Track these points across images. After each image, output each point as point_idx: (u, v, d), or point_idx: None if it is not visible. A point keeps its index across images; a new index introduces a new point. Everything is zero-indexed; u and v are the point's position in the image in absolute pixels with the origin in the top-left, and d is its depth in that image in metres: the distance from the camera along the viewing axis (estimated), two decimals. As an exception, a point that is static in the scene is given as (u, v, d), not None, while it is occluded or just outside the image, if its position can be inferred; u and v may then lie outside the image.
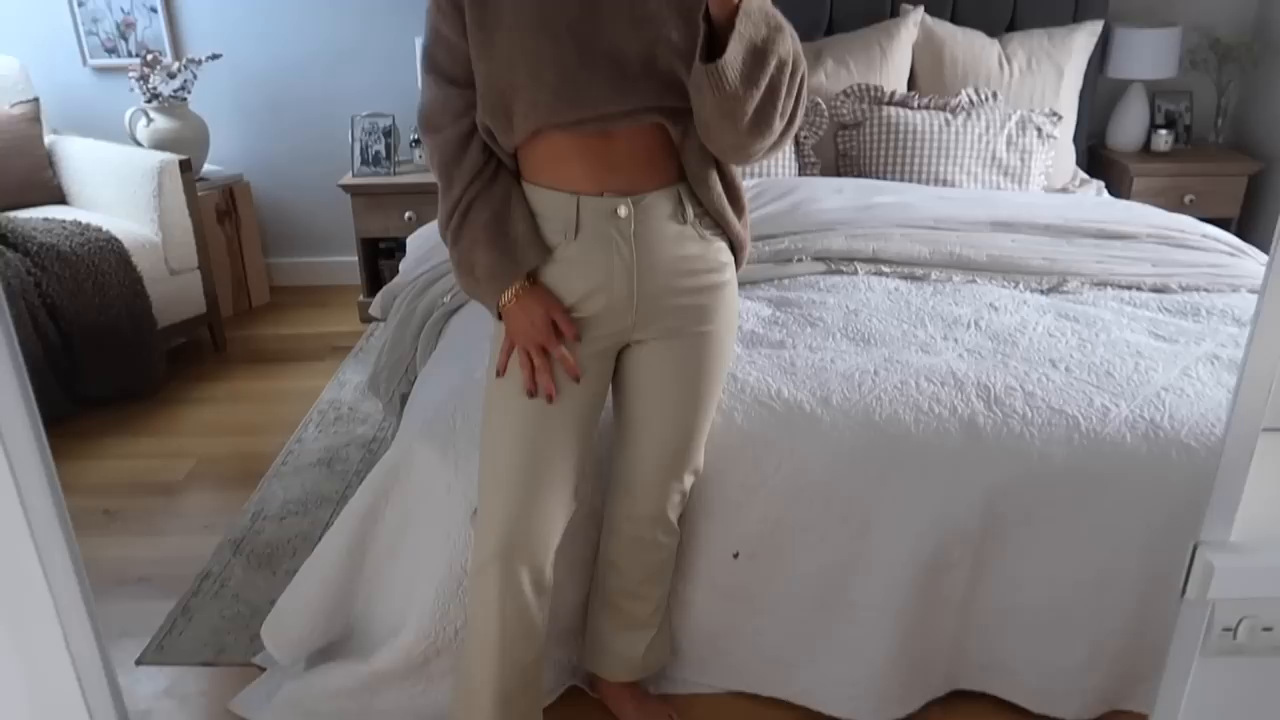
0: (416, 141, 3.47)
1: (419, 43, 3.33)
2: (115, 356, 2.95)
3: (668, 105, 1.36)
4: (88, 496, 2.53)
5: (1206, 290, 2.18)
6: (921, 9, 3.14)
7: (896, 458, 1.66)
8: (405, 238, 2.95)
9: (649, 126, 1.38)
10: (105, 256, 2.93)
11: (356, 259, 3.60)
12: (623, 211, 1.39)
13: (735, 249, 1.53)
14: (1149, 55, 3.26)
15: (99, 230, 2.97)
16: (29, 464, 0.73)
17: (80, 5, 3.53)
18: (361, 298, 3.61)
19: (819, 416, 1.69)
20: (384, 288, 2.50)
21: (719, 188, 1.45)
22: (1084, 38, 3.15)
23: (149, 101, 3.38)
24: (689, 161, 1.41)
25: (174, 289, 3.17)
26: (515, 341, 1.43)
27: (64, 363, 2.86)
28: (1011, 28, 3.28)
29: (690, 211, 1.44)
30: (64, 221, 2.98)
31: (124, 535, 2.40)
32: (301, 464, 2.66)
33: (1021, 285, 2.20)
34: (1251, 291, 2.16)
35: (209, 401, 3.06)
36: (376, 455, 2.67)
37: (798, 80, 1.32)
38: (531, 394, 1.42)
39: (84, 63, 3.61)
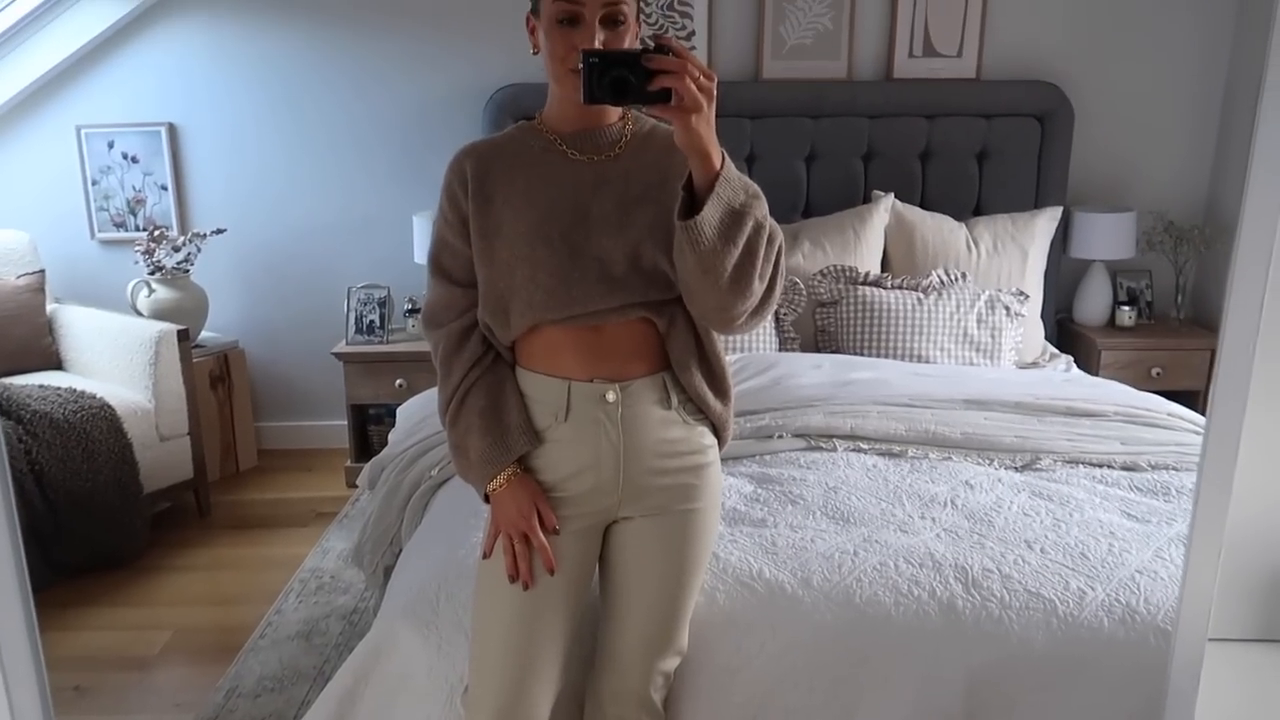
0: (410, 311, 3.59)
1: (416, 220, 3.50)
2: (99, 523, 2.94)
3: (653, 299, 1.46)
4: (60, 671, 2.47)
5: (1175, 469, 2.24)
6: (892, 195, 3.34)
7: (878, 640, 1.66)
8: (395, 404, 3.01)
9: (636, 320, 1.47)
10: (97, 423, 2.97)
11: (346, 423, 3.65)
12: (611, 397, 1.47)
13: (717, 431, 1.59)
14: (1108, 237, 3.45)
15: (93, 397, 3.02)
16: (17, 653, 0.74)
17: (94, 184, 3.71)
18: (349, 462, 3.64)
19: (800, 598, 1.71)
20: (372, 460, 2.54)
21: (700, 374, 1.52)
22: (1045, 222, 3.33)
23: (152, 273, 3.50)
24: (673, 350, 1.50)
25: (163, 455, 3.20)
26: (501, 527, 1.48)
27: (46, 529, 2.85)
28: (977, 212, 3.48)
29: (675, 398, 1.51)
30: (59, 389, 3.03)
31: (94, 714, 2.34)
32: (280, 636, 2.62)
33: (996, 462, 2.26)
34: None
35: (190, 569, 3.04)
36: (357, 628, 2.64)
37: (775, 247, 1.41)
38: (513, 579, 1.46)
39: (91, 236, 3.76)
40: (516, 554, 1.46)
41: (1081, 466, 2.25)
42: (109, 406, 3.02)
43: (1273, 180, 0.69)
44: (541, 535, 1.46)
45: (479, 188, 1.48)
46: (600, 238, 1.44)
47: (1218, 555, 0.70)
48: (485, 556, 1.51)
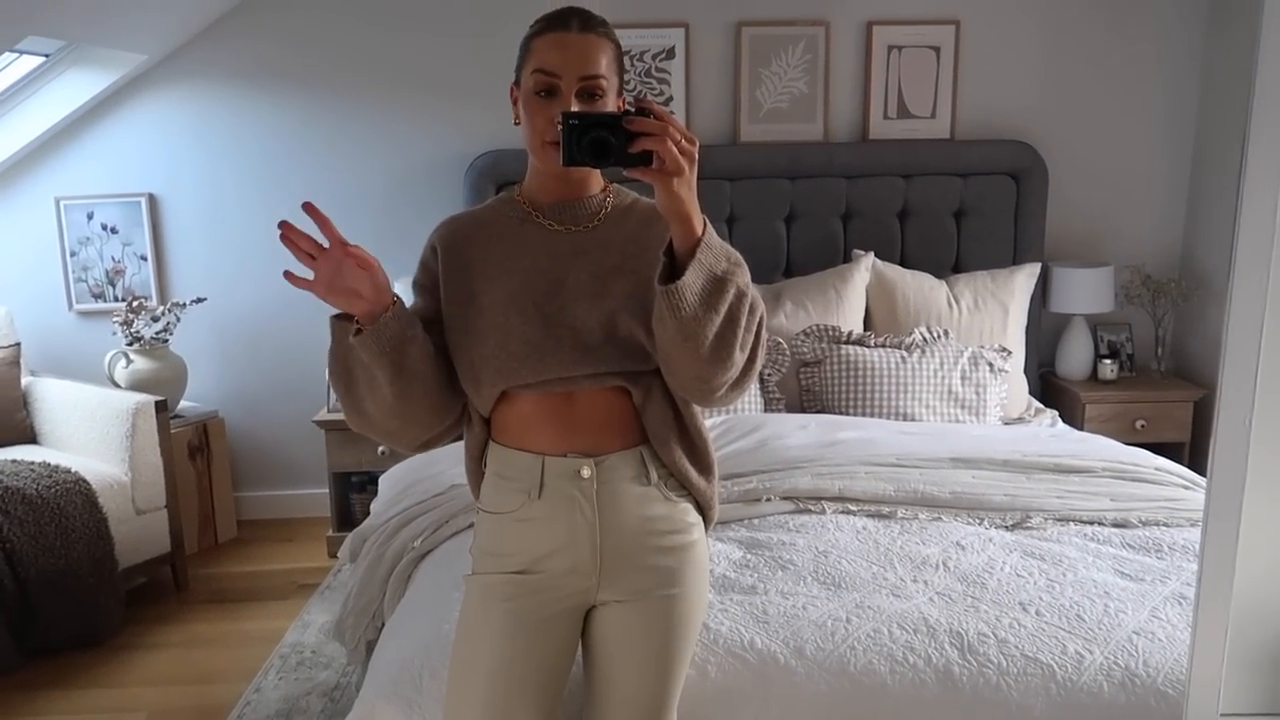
0: (392, 378, 3.55)
1: (397, 286, 3.46)
2: (72, 602, 2.86)
3: (629, 369, 1.43)
4: (27, 759, 2.39)
5: (1166, 525, 2.22)
6: (872, 254, 3.36)
7: (874, 711, 1.62)
8: (378, 472, 2.97)
9: (611, 389, 1.44)
10: (71, 498, 2.90)
11: (327, 492, 3.59)
12: (585, 472, 1.43)
13: (702, 508, 1.55)
14: (1087, 292, 3.48)
15: (67, 471, 2.96)
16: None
17: (73, 255, 3.69)
18: (331, 532, 3.58)
19: (793, 668, 1.67)
20: (353, 531, 2.49)
21: (681, 449, 1.48)
22: (1024, 278, 3.36)
23: (130, 344, 3.47)
24: (650, 423, 1.46)
25: (139, 529, 3.13)
26: (320, 288, 1.36)
27: (17, 609, 2.77)
28: (957, 269, 3.51)
29: (654, 473, 1.47)
30: (32, 463, 2.97)
31: (62, 804, 2.25)
32: (259, 716, 2.54)
33: (986, 522, 2.24)
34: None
35: (166, 647, 2.95)
36: (339, 705, 2.56)
37: (757, 317, 1.37)
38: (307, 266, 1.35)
39: (69, 307, 3.73)
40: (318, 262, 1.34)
41: (1072, 524, 2.23)
42: (84, 480, 2.96)
43: (1259, 247, 0.69)
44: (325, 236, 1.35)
45: (454, 259, 1.47)
46: (575, 307, 1.42)
47: (1225, 632, 0.68)
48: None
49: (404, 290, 1.47)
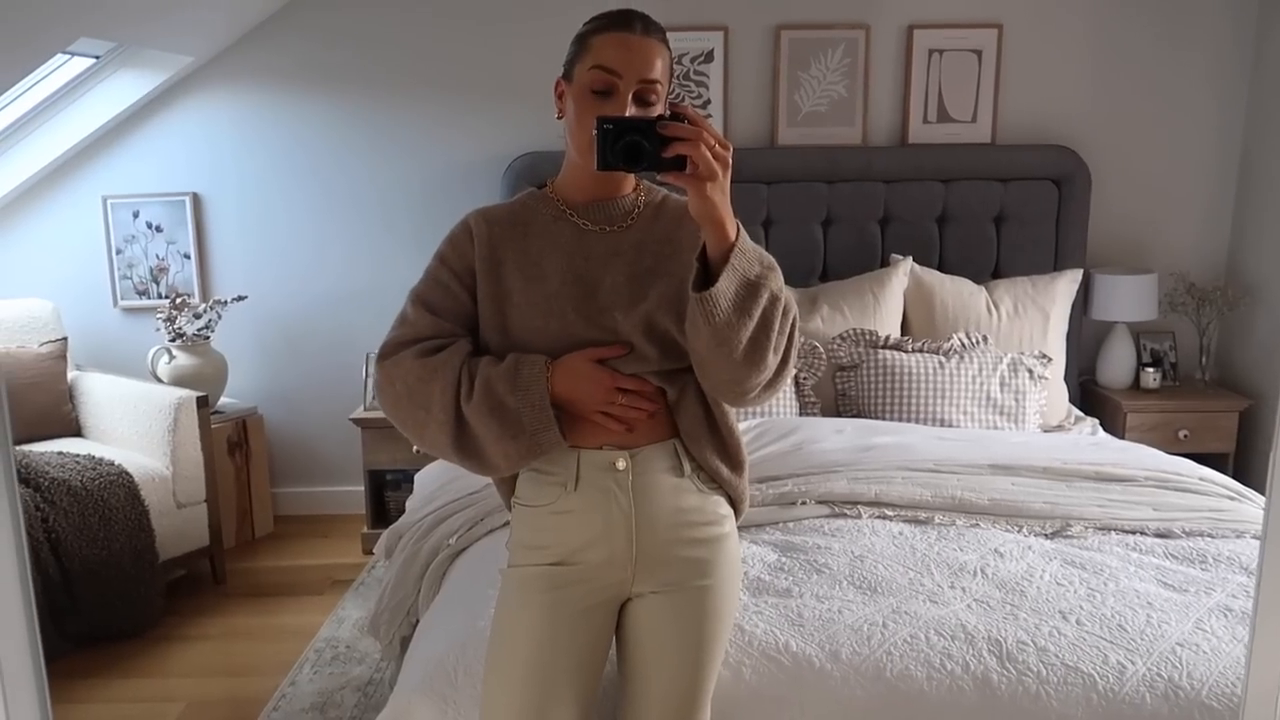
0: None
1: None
2: (114, 593, 2.91)
3: (665, 369, 1.43)
4: (68, 746, 2.43)
5: (1210, 536, 2.18)
6: (910, 259, 3.33)
7: (911, 718, 1.60)
8: (413, 470, 2.99)
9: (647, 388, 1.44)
10: (114, 491, 2.95)
11: (363, 489, 3.62)
12: (620, 464, 1.44)
13: (733, 502, 1.55)
14: (1129, 299, 3.43)
15: (111, 464, 3.02)
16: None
17: (118, 253, 3.75)
18: (366, 529, 3.61)
19: (829, 672, 1.66)
20: (389, 528, 2.51)
21: (712, 446, 1.48)
22: (1066, 284, 3.32)
23: (173, 340, 3.52)
24: (683, 420, 1.46)
25: (179, 522, 3.18)
26: (586, 406, 1.40)
27: (61, 599, 2.82)
28: (996, 275, 3.47)
29: (687, 466, 1.48)
30: (77, 456, 3.03)
31: (102, 791, 2.28)
32: (293, 709, 2.56)
33: (1025, 529, 2.21)
34: (1256, 538, 2.16)
35: (203, 639, 2.99)
36: (372, 700, 2.58)
37: (790, 320, 1.38)
38: (634, 424, 1.41)
39: (114, 304, 3.80)
40: (622, 411, 1.40)
41: (1114, 533, 2.20)
42: (127, 473, 3.01)
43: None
44: (626, 380, 1.40)
45: (489, 253, 1.47)
46: (613, 311, 1.42)
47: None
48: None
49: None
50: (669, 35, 1.46)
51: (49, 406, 3.34)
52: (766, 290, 1.32)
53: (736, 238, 1.29)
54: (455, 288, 1.47)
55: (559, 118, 1.46)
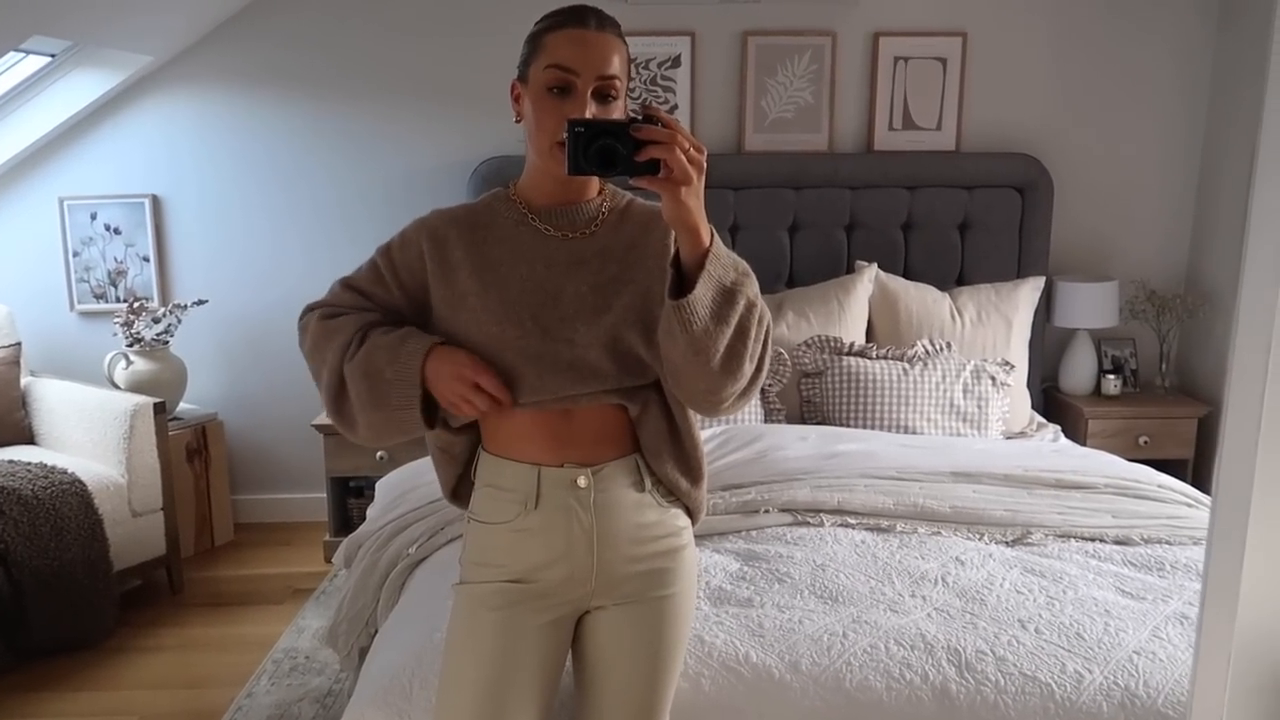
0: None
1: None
2: (66, 604, 2.85)
3: (626, 386, 1.40)
4: (16, 762, 2.37)
5: (1168, 543, 2.20)
6: (875, 265, 3.34)
7: (870, 728, 1.60)
8: (376, 477, 2.95)
9: (608, 405, 1.41)
10: (67, 500, 2.89)
11: (325, 496, 3.58)
12: (582, 482, 1.41)
13: (690, 513, 1.53)
14: (1091, 306, 3.46)
15: (63, 473, 2.95)
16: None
17: (75, 255, 3.68)
18: (328, 536, 3.56)
19: (788, 683, 1.65)
20: (348, 537, 2.47)
21: (673, 460, 1.46)
22: (1028, 291, 3.34)
23: (131, 345, 3.46)
24: (645, 436, 1.43)
25: (134, 531, 3.12)
26: (439, 391, 1.36)
27: (10, 611, 2.76)
28: (960, 282, 3.49)
29: (648, 481, 1.45)
30: (29, 464, 2.96)
31: (50, 808, 2.23)
32: (250, 722, 2.52)
33: (986, 537, 2.22)
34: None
35: (159, 650, 2.93)
36: (331, 712, 2.54)
37: (765, 327, 1.35)
38: (481, 412, 1.37)
39: (71, 308, 3.72)
40: (477, 403, 1.35)
41: (1073, 541, 2.21)
42: (80, 482, 2.95)
43: (1268, 262, 0.67)
44: (492, 376, 1.35)
45: (444, 254, 1.42)
46: (575, 322, 1.38)
47: (1228, 656, 0.66)
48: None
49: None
50: (637, 40, 1.43)
51: (1, 414, 3.26)
52: (743, 297, 1.29)
53: (711, 243, 1.26)
54: (389, 280, 1.46)
55: (517, 121, 1.42)
